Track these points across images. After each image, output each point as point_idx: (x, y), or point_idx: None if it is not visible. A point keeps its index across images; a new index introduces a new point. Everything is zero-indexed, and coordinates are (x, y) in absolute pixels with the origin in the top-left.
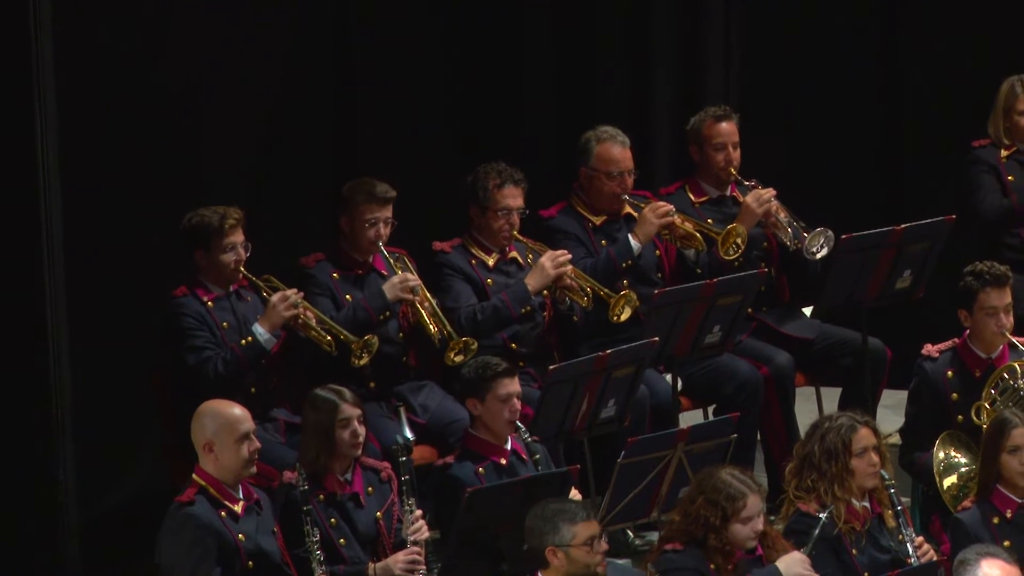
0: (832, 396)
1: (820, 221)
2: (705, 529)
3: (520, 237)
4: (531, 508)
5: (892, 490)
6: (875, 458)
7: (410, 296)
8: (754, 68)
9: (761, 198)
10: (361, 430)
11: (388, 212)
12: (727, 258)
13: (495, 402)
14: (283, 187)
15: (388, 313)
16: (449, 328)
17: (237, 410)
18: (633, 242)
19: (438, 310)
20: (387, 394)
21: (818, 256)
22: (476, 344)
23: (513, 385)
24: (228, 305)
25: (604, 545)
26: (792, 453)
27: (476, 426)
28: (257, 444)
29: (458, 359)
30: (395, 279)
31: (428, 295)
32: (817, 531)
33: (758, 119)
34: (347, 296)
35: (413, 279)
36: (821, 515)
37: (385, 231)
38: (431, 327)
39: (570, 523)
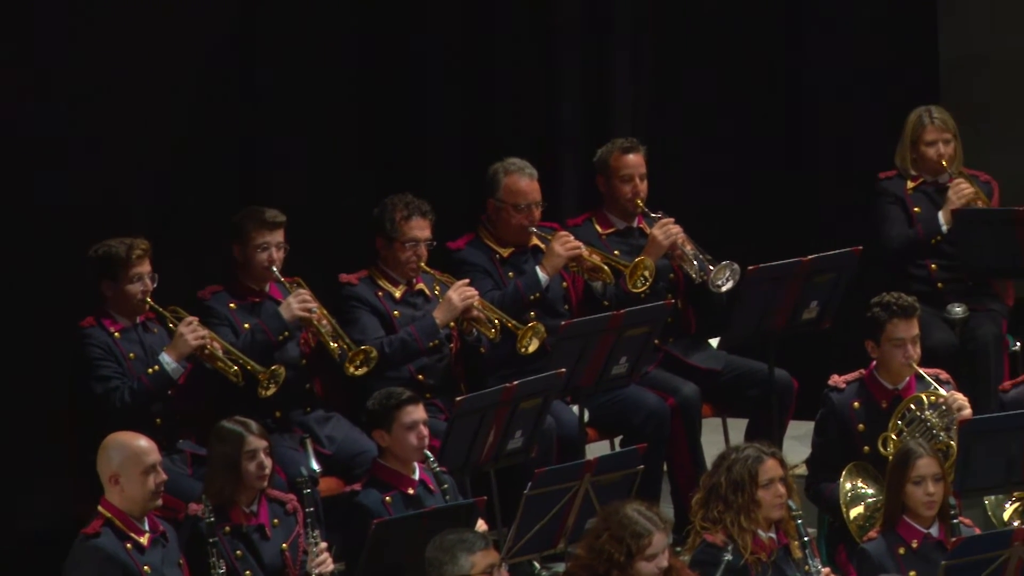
0: (739, 427)
1: (726, 253)
2: (609, 565)
3: (427, 269)
4: (429, 543)
5: (799, 521)
6: (781, 489)
7: (307, 314)
8: (661, 100)
9: (668, 230)
10: (267, 462)
11: (279, 236)
12: (635, 290)
13: (401, 430)
14: (189, 218)
15: (287, 333)
16: (348, 341)
17: (143, 442)
18: (541, 274)
19: (337, 328)
20: (293, 424)
21: (723, 289)
22: (376, 353)
23: (418, 412)
24: (135, 336)
25: (504, 574)
26: (699, 484)
27: (385, 457)
28: (163, 476)
29: (359, 371)
30: (291, 299)
31: (326, 314)
32: (722, 568)
33: (665, 151)
34: (245, 325)
35: (309, 297)
36: (726, 552)
37: (278, 256)
38: (332, 344)
39: (468, 553)
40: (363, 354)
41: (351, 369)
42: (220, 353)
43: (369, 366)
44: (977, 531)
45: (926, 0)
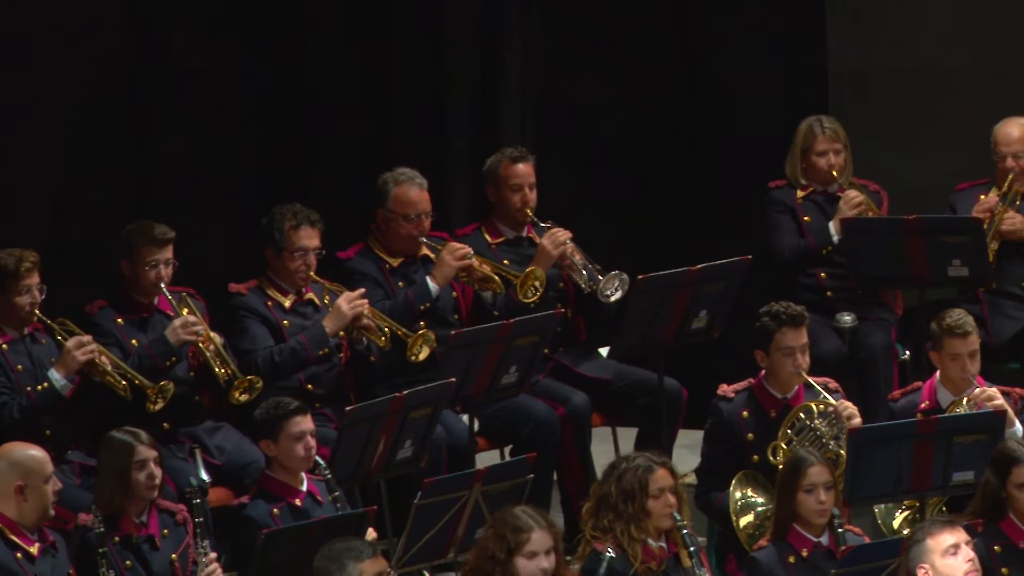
0: (628, 436)
1: (616, 262)
2: (492, 563)
3: (317, 278)
4: (318, 553)
5: (684, 531)
6: (671, 499)
7: (194, 338)
8: (551, 111)
9: (557, 240)
10: (157, 472)
11: (168, 253)
12: (525, 300)
13: (289, 441)
14: (79, 230)
15: (175, 358)
16: (234, 367)
17: (38, 452)
18: (431, 284)
19: (223, 350)
20: (181, 435)
21: (612, 299)
22: (261, 383)
23: (306, 423)
24: (23, 348)
25: None
26: (589, 493)
27: (272, 467)
28: (59, 484)
29: (243, 398)
30: (176, 323)
31: (212, 335)
32: (604, 565)
33: (555, 161)
34: (132, 341)
35: (195, 321)
36: (607, 552)
37: (166, 272)
38: (217, 368)
39: (356, 560)
40: (248, 383)
41: (236, 395)
42: (109, 367)
43: (253, 395)
44: (867, 540)
45: (816, 12)
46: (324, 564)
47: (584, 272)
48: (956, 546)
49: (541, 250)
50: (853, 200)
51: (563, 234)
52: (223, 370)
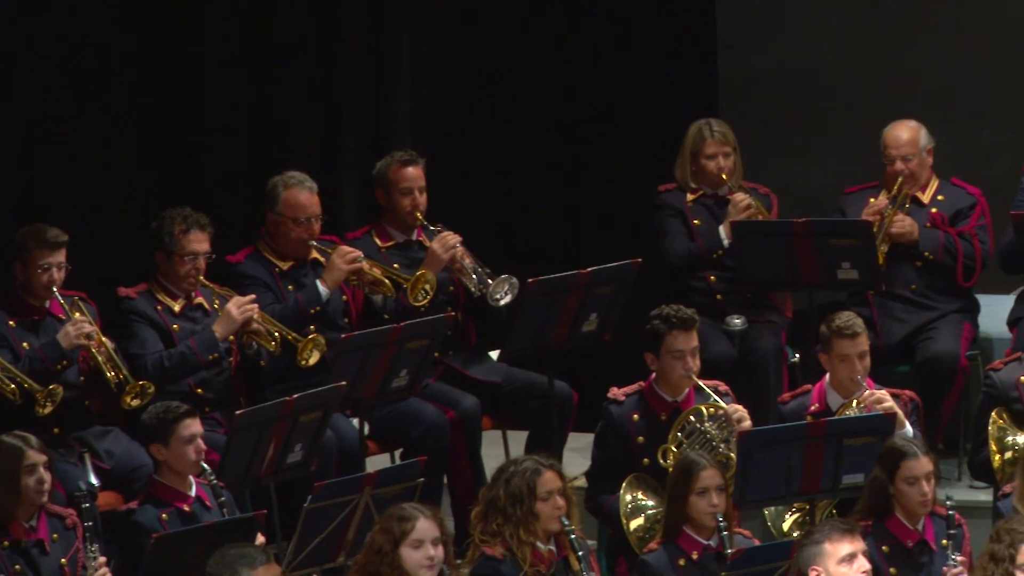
0: (519, 439)
1: (506, 266)
2: (379, 557)
3: (206, 282)
4: (210, 557)
5: (573, 535)
6: (560, 502)
7: (85, 342)
8: (441, 114)
9: (447, 243)
10: (47, 476)
11: (61, 256)
12: (416, 304)
13: (179, 444)
14: None
15: (66, 362)
16: (125, 372)
17: None
18: (321, 288)
19: (114, 355)
20: (70, 440)
21: (502, 303)
22: (153, 388)
23: (195, 426)
24: None
25: None
26: (479, 497)
27: (161, 471)
28: None
29: (135, 403)
30: (68, 327)
31: (104, 340)
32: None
33: (445, 164)
34: (24, 344)
35: (87, 325)
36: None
37: (59, 275)
38: (108, 372)
39: (249, 567)
40: (140, 387)
41: (128, 400)
42: None
43: (144, 399)
44: (756, 542)
45: (706, 14)
46: (217, 570)
47: (474, 276)
48: (853, 555)
49: (431, 254)
50: (741, 203)
51: (453, 238)
52: (114, 374)
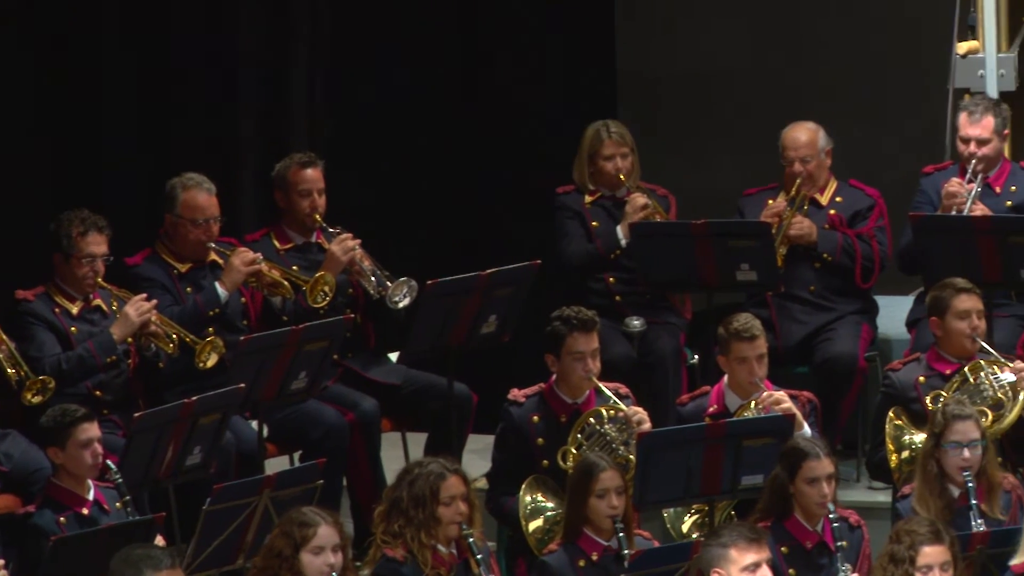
0: (418, 441)
1: (406, 268)
2: (279, 561)
3: (105, 284)
4: (115, 555)
5: (471, 540)
6: (463, 507)
7: None
8: (340, 116)
9: (346, 246)
10: None
11: None
12: (315, 305)
13: (75, 448)
14: None
15: None
16: (27, 369)
17: None
18: (220, 289)
19: (15, 352)
20: None
21: (400, 305)
22: (53, 383)
23: (92, 430)
24: None
25: None
26: (380, 498)
27: (59, 475)
28: None
29: (35, 400)
30: None
31: (5, 338)
32: None
33: (344, 166)
34: None
35: None
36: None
37: None
38: (9, 371)
39: (154, 570)
40: (41, 383)
41: (28, 396)
42: None
43: (46, 395)
44: (656, 543)
45: (604, 15)
46: (121, 569)
47: (373, 278)
48: (757, 564)
49: (330, 256)
50: (639, 204)
51: (352, 240)
52: (15, 371)
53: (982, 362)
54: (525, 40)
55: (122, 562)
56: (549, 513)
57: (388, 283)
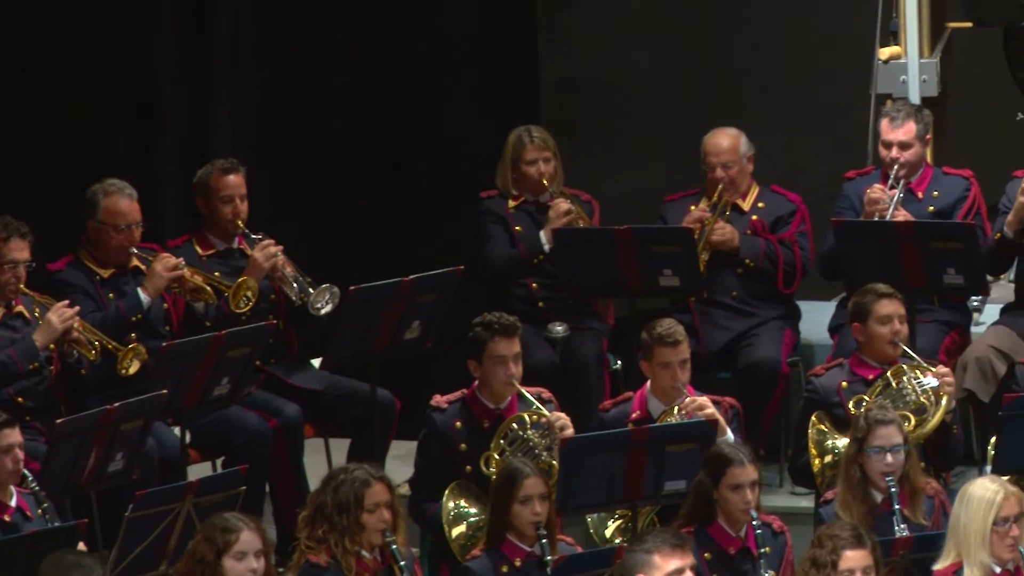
0: (341, 447)
1: (328, 274)
2: (201, 566)
3: (27, 291)
4: (44, 559)
5: (393, 547)
6: (386, 515)
7: None
8: (263, 122)
9: (268, 252)
10: None
11: None
12: (238, 311)
13: None
14: None
15: None
16: None
17: None
18: (142, 295)
19: None
20: None
21: (322, 312)
22: None
23: (13, 436)
24: None
25: None
26: (303, 503)
27: None
28: None
29: None
30: None
31: None
32: None
33: (266, 172)
34: None
35: None
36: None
37: None
38: None
39: None
40: None
41: None
42: None
43: None
44: (579, 549)
45: (526, 21)
46: (50, 572)
47: (295, 284)
48: (681, 570)
49: (252, 262)
50: (562, 209)
51: (274, 247)
52: None
53: (904, 367)
54: (448, 46)
55: (53, 568)
56: (472, 519)
57: (310, 289)
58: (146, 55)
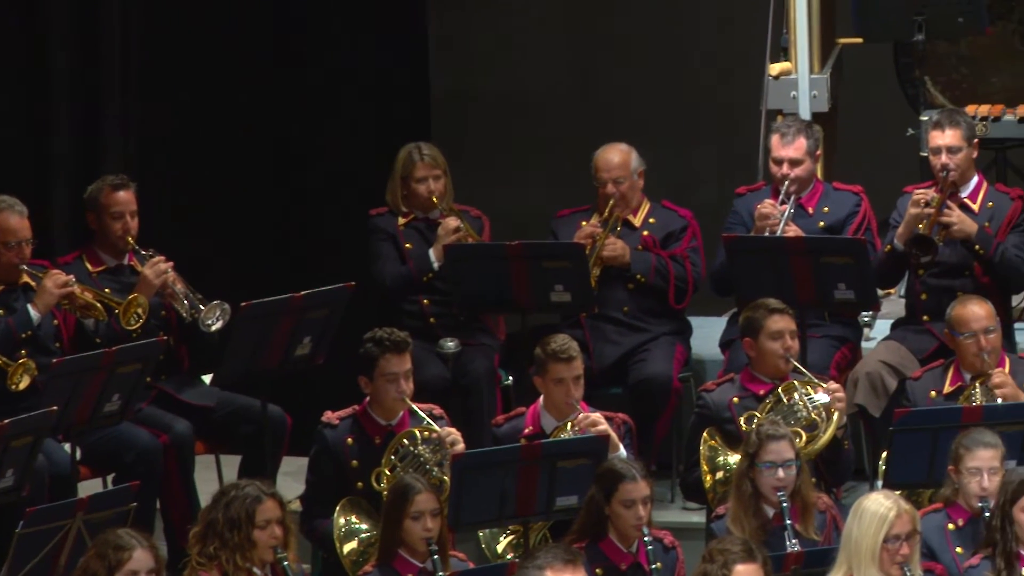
0: (232, 463)
1: (220, 291)
2: None
3: None
4: None
5: (285, 562)
6: (278, 531)
7: None
8: (154, 139)
9: (158, 269)
10: None
11: None
12: (128, 328)
13: None
14: None
15: None
16: None
17: None
18: (32, 312)
19: None
20: None
21: (213, 328)
22: None
23: None
24: None
25: None
26: (195, 520)
27: None
28: None
29: None
30: None
31: None
32: None
33: (157, 188)
34: None
35: None
36: None
37: None
38: None
39: None
40: None
41: None
42: None
43: None
44: (471, 565)
45: (418, 36)
46: None
47: (185, 301)
48: None
49: (143, 279)
50: (451, 226)
51: (164, 263)
52: None
53: (796, 383)
54: (338, 63)
55: None
56: (363, 535)
57: (201, 306)
58: (35, 71)
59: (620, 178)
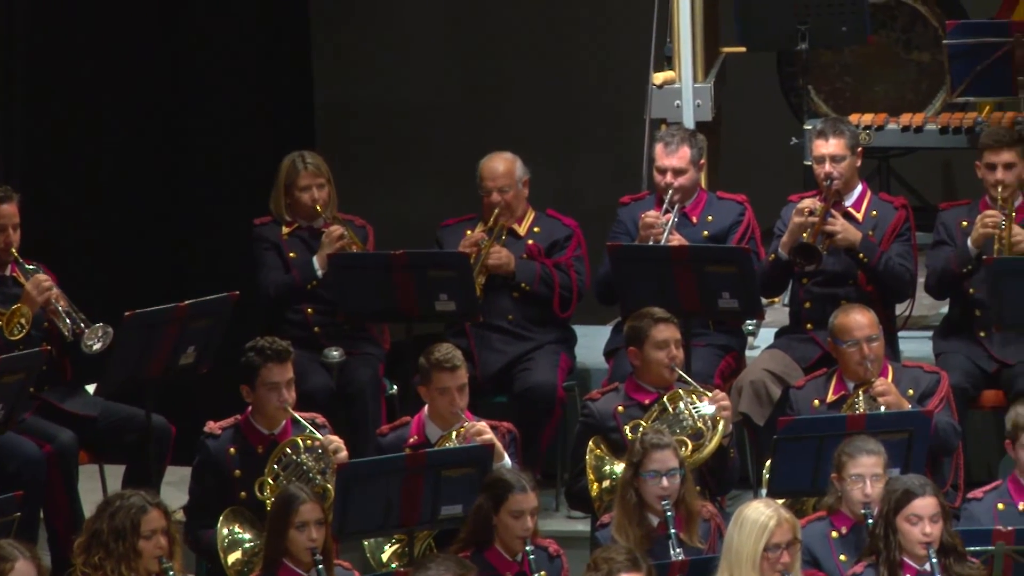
0: (116, 473)
1: (105, 301)
2: None
3: None
4: None
5: (171, 573)
6: (163, 541)
7: None
8: (36, 150)
9: (41, 285)
10: None
11: None
12: (11, 338)
13: None
14: None
15: None
16: None
17: None
18: None
19: None
20: None
21: (94, 350)
22: None
23: None
24: None
25: None
26: (79, 530)
27: None
28: None
29: None
30: None
31: None
32: None
33: (41, 200)
34: None
35: None
36: None
37: None
38: None
39: None
40: None
41: None
42: None
43: None
44: (357, 574)
45: (300, 45)
46: None
47: (68, 320)
48: None
49: (26, 294)
50: (335, 235)
51: (47, 280)
52: None
53: (681, 392)
54: (223, 70)
55: None
56: (247, 545)
57: (83, 325)
58: None
59: (505, 187)
